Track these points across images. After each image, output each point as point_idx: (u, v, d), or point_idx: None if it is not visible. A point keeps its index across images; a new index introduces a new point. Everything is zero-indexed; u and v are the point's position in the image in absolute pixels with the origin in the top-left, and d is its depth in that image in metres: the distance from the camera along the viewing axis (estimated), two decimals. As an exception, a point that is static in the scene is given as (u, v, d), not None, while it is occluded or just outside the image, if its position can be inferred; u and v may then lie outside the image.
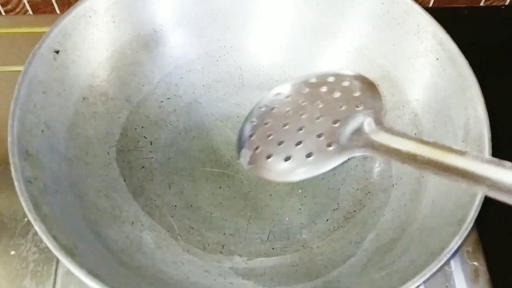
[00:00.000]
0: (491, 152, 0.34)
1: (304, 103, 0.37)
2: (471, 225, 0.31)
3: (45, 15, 0.54)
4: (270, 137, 0.36)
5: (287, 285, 0.36)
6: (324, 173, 0.33)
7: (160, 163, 0.41)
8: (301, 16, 0.44)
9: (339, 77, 0.38)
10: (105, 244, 0.34)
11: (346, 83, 0.37)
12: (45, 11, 0.54)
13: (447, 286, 0.39)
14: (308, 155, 0.34)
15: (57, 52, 0.36)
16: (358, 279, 0.34)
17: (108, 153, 0.39)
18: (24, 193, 0.30)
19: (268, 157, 0.35)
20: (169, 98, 0.44)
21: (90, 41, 0.39)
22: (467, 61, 0.37)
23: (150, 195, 0.40)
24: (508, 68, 0.54)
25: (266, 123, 0.38)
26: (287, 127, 0.36)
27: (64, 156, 0.36)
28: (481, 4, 0.58)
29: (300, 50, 0.45)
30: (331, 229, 0.39)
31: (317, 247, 0.38)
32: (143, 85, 0.43)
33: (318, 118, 0.35)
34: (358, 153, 0.32)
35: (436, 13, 0.39)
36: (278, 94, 0.40)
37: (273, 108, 0.39)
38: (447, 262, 0.37)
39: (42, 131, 0.34)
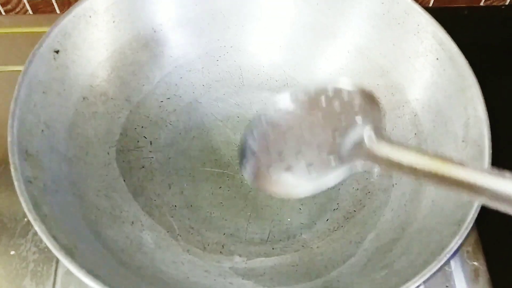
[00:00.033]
0: (491, 152, 0.34)
1: (304, 116, 0.38)
2: (471, 225, 0.31)
3: (45, 15, 0.54)
4: (271, 148, 0.37)
5: (287, 285, 0.36)
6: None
7: (160, 163, 0.41)
8: (301, 16, 0.44)
9: (339, 90, 0.38)
10: (105, 244, 0.34)
11: (345, 96, 0.37)
12: (45, 11, 0.54)
13: (447, 286, 0.39)
14: (309, 165, 0.34)
15: (57, 52, 0.36)
16: (358, 279, 0.34)
17: (108, 153, 0.39)
18: (24, 193, 0.30)
19: (269, 167, 0.36)
20: (169, 98, 0.44)
21: (90, 41, 0.39)
22: (467, 61, 0.37)
23: (150, 195, 0.40)
24: (508, 68, 0.54)
25: (266, 137, 0.38)
26: (287, 138, 0.37)
27: (64, 156, 0.36)
28: (481, 4, 0.58)
29: (300, 50, 0.45)
30: (331, 229, 0.39)
31: (317, 247, 0.38)
32: (143, 85, 0.43)
33: (318, 130, 0.36)
34: (358, 165, 0.32)
35: (436, 13, 0.39)
36: (277, 107, 0.40)
37: (272, 122, 0.39)
38: (447, 262, 0.37)
39: (42, 131, 0.34)
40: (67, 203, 0.34)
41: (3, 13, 0.53)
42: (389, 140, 0.32)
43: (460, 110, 0.36)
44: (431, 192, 0.36)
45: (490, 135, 0.34)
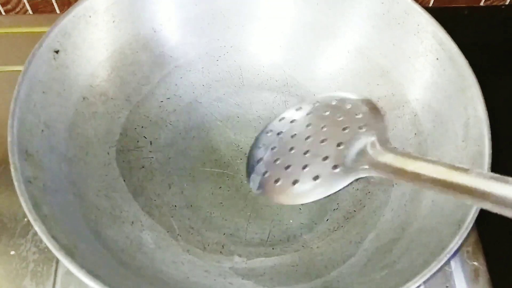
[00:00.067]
0: (491, 152, 0.34)
1: (308, 127, 0.38)
2: (471, 225, 0.31)
3: (45, 15, 0.54)
4: (277, 162, 0.38)
5: (287, 285, 0.36)
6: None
7: (160, 163, 0.41)
8: (301, 16, 0.44)
9: (342, 100, 0.39)
10: (105, 244, 0.34)
11: (349, 106, 0.38)
12: (45, 11, 0.54)
13: (447, 286, 0.39)
14: (315, 178, 0.34)
15: (57, 52, 0.36)
16: (358, 279, 0.34)
17: (108, 153, 0.39)
18: (24, 193, 0.30)
19: (276, 181, 0.36)
20: (169, 98, 0.44)
21: (90, 41, 0.39)
22: (467, 61, 0.37)
23: (150, 195, 0.40)
24: (508, 68, 0.54)
25: (273, 148, 0.39)
26: (293, 151, 0.37)
27: (64, 156, 0.36)
28: (481, 4, 0.58)
29: (300, 50, 0.45)
30: (331, 229, 0.39)
31: (317, 247, 0.38)
32: (143, 85, 0.43)
33: (323, 141, 0.36)
34: (363, 174, 0.33)
35: (436, 13, 0.39)
36: (283, 119, 0.41)
37: (279, 133, 0.40)
38: (447, 262, 0.37)
39: (42, 131, 0.34)
40: (67, 203, 0.34)
41: (3, 13, 0.53)
42: (393, 150, 0.32)
43: (460, 110, 0.36)
44: (431, 192, 0.36)
45: (490, 135, 0.34)
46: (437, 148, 0.38)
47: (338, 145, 0.35)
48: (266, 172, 0.38)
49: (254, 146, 0.41)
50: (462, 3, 0.58)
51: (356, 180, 0.41)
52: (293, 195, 0.35)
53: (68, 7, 0.37)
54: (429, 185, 0.28)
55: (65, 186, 0.34)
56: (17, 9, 0.53)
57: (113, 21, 0.40)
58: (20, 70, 0.34)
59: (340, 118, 0.37)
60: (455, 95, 0.37)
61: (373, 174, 0.32)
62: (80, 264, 0.29)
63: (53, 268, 0.39)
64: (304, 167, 0.36)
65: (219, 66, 0.45)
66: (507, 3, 0.58)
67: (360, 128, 0.35)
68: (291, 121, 0.40)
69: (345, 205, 0.41)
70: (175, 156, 0.42)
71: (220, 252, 0.38)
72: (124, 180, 0.39)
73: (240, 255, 0.38)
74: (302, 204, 0.41)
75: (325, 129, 0.37)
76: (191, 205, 0.40)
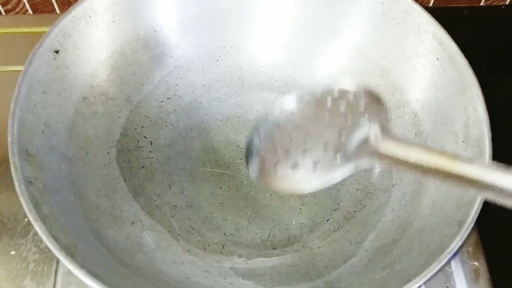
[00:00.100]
0: (491, 152, 0.34)
1: (309, 117, 0.38)
2: (472, 225, 0.31)
3: (45, 15, 0.54)
4: (277, 147, 0.37)
5: (287, 285, 0.36)
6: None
7: (160, 163, 0.41)
8: (301, 16, 0.44)
9: (344, 91, 0.39)
10: (105, 244, 0.34)
11: (351, 96, 0.38)
12: (45, 11, 0.54)
13: (447, 286, 0.39)
14: (315, 163, 0.34)
15: (57, 52, 0.36)
16: (358, 280, 0.34)
17: (108, 153, 0.39)
18: (24, 194, 0.30)
19: (275, 164, 0.36)
20: (169, 98, 0.44)
21: (90, 41, 0.39)
22: (467, 61, 0.37)
23: (150, 195, 0.40)
24: (508, 68, 0.54)
25: (273, 136, 0.39)
26: (293, 138, 0.37)
27: (64, 156, 0.36)
28: (481, 4, 0.58)
29: (300, 50, 0.45)
30: (332, 229, 0.39)
31: (318, 247, 0.38)
32: (143, 85, 0.43)
33: (324, 130, 0.36)
34: (365, 163, 0.33)
35: (436, 13, 0.39)
36: (283, 109, 0.41)
37: (279, 123, 0.39)
38: (448, 262, 0.37)
39: (42, 131, 0.34)
40: (67, 203, 0.34)
41: (3, 13, 0.53)
42: (395, 138, 0.32)
43: (460, 110, 0.36)
44: (432, 192, 0.36)
45: (490, 135, 0.34)
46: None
47: (340, 132, 0.35)
48: (265, 159, 0.37)
49: (254, 131, 0.40)
50: (462, 3, 0.58)
51: (357, 180, 0.41)
52: (293, 182, 0.35)
53: (68, 7, 0.37)
54: (431, 174, 0.28)
55: (65, 186, 0.34)
56: (17, 9, 0.53)
57: (113, 21, 0.40)
58: (20, 70, 0.34)
59: (342, 107, 0.37)
60: (455, 95, 0.37)
61: (375, 162, 0.32)
62: (80, 264, 0.29)
63: (54, 268, 0.39)
64: (304, 151, 0.35)
65: (219, 66, 0.45)
66: (507, 3, 0.58)
67: (362, 117, 0.35)
68: (292, 112, 0.40)
69: (346, 205, 0.41)
70: (175, 156, 0.42)
71: (221, 252, 0.38)
72: (124, 180, 0.39)
73: (240, 255, 0.38)
74: (302, 204, 0.41)
75: (326, 117, 0.37)
76: (192, 205, 0.40)
